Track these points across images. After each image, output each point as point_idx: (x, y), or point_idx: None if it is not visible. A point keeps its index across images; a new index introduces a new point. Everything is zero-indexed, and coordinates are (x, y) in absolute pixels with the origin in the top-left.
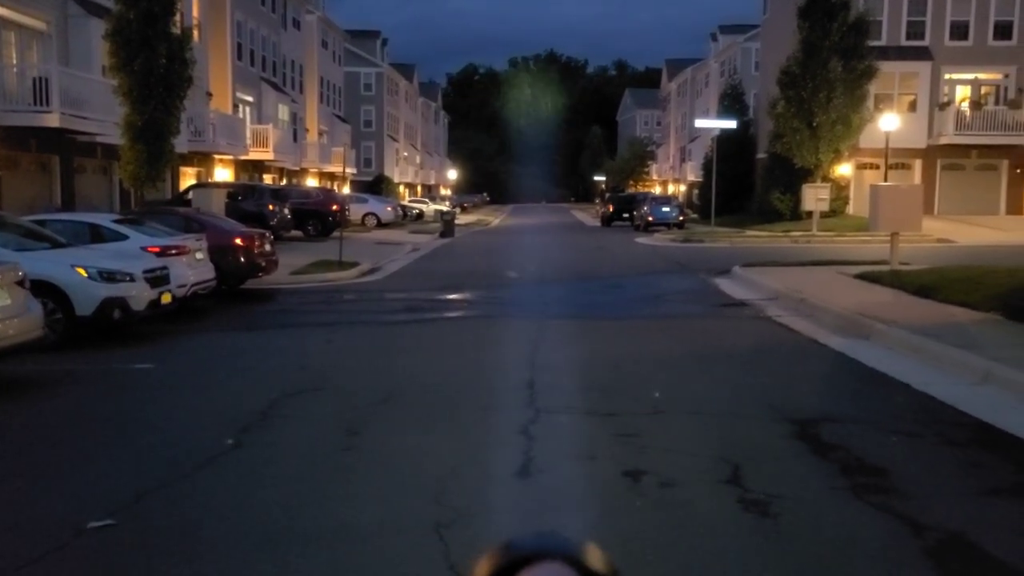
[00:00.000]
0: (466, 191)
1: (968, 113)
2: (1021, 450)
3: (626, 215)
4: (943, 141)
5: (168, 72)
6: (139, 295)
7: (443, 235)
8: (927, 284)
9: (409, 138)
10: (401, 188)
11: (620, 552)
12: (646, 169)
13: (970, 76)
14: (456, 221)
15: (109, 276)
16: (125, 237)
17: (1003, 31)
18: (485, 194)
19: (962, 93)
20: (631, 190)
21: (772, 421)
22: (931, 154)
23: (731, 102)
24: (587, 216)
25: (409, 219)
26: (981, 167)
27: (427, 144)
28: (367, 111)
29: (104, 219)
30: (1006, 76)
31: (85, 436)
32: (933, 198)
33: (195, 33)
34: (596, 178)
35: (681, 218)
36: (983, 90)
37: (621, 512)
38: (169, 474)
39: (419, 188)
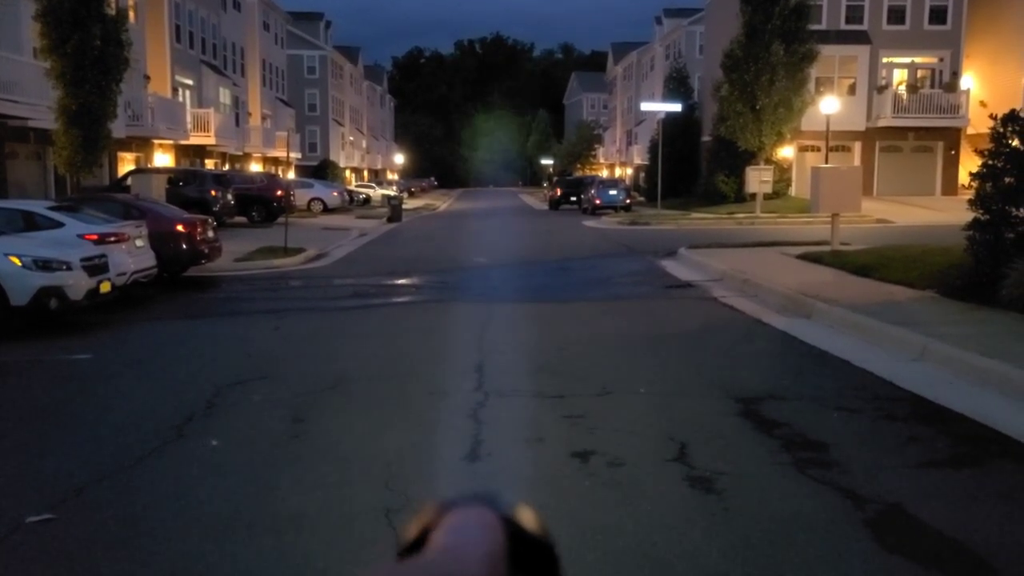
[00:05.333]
0: (414, 175)
1: (905, 96)
2: (957, 423)
3: (574, 198)
4: (881, 124)
5: (103, 54)
6: (76, 284)
7: (391, 220)
8: (866, 263)
9: (355, 122)
10: (347, 173)
11: (570, 530)
12: (593, 152)
13: (907, 60)
14: (404, 206)
15: (44, 264)
16: (61, 224)
17: (938, 16)
18: (433, 178)
19: (899, 76)
20: (579, 173)
21: (717, 400)
22: (870, 136)
23: (676, 85)
24: (535, 200)
25: (356, 204)
26: (918, 149)
27: (373, 128)
28: (311, 95)
29: (38, 206)
30: (941, 60)
31: (22, 429)
32: (872, 180)
33: (131, 14)
34: (544, 162)
35: (628, 201)
36: (919, 73)
37: (570, 492)
38: (110, 466)
39: (366, 173)
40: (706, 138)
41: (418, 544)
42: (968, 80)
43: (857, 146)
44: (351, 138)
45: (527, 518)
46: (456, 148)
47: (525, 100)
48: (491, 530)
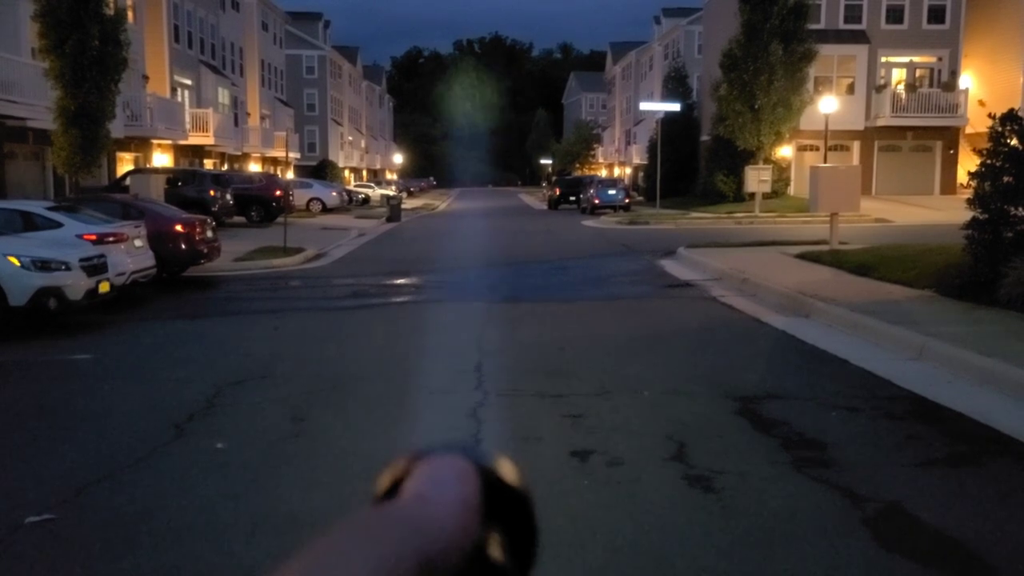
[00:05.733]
0: (412, 175)
1: (904, 95)
2: (955, 422)
3: (573, 198)
4: (880, 123)
5: (102, 54)
6: (75, 284)
7: (390, 220)
8: (865, 263)
9: (354, 122)
10: (346, 173)
11: (569, 529)
12: (592, 152)
13: (905, 59)
14: (403, 206)
15: (43, 265)
16: (60, 225)
17: (937, 15)
18: (432, 178)
19: (898, 76)
20: (577, 173)
21: (716, 399)
22: (868, 136)
23: (675, 85)
24: (534, 199)
25: (355, 204)
26: (916, 148)
27: (372, 128)
28: (310, 95)
29: (37, 206)
30: (939, 59)
31: (22, 429)
32: (871, 179)
33: (129, 14)
34: (543, 161)
35: (627, 200)
36: (918, 73)
37: (569, 491)
38: (110, 466)
39: (365, 173)
40: (705, 138)
41: (392, 493)
42: (967, 79)
43: (856, 145)
44: (350, 138)
45: (504, 468)
46: (455, 148)
47: (524, 100)
48: (465, 478)
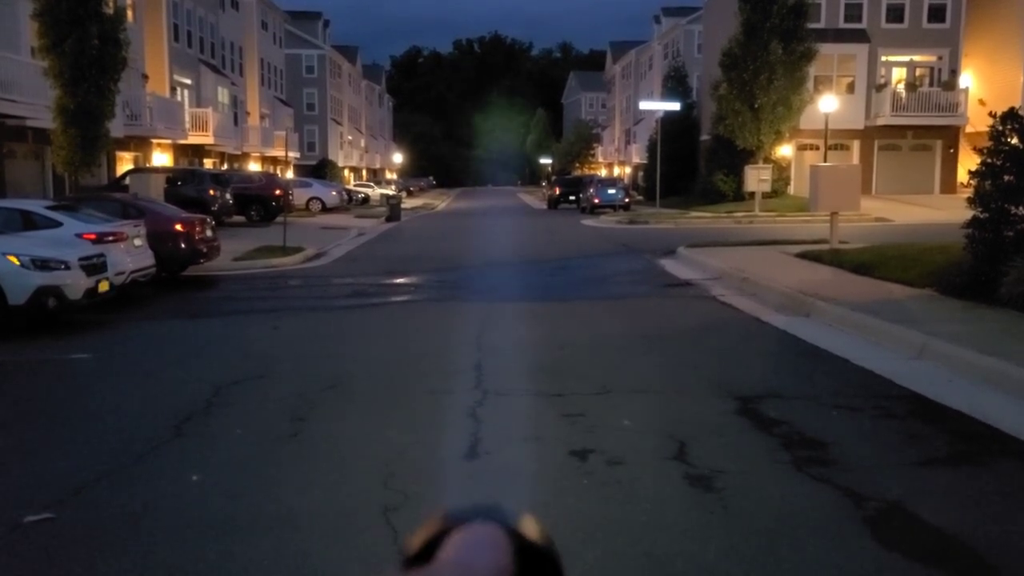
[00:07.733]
0: (412, 175)
1: (904, 95)
2: (956, 421)
3: (572, 198)
4: (880, 122)
5: (101, 53)
6: (75, 283)
7: (389, 219)
8: (865, 262)
9: (353, 121)
10: (346, 172)
11: (569, 529)
12: (592, 151)
13: (906, 58)
14: (402, 205)
15: (43, 264)
16: (59, 224)
17: (937, 14)
18: (431, 178)
19: (898, 75)
20: (577, 173)
21: (716, 398)
22: (868, 135)
23: (675, 84)
24: (534, 199)
25: (354, 203)
26: (916, 147)
27: (372, 127)
28: (310, 94)
29: (37, 206)
30: (940, 58)
31: (21, 429)
32: (871, 178)
33: (129, 13)
34: (542, 161)
35: (627, 200)
36: (918, 72)
37: (569, 491)
38: (109, 465)
39: (364, 172)
40: (705, 137)
41: (423, 556)
42: (967, 78)
43: (856, 145)
44: (349, 137)
45: (531, 530)
46: (454, 147)
47: (524, 99)
48: (500, 547)
